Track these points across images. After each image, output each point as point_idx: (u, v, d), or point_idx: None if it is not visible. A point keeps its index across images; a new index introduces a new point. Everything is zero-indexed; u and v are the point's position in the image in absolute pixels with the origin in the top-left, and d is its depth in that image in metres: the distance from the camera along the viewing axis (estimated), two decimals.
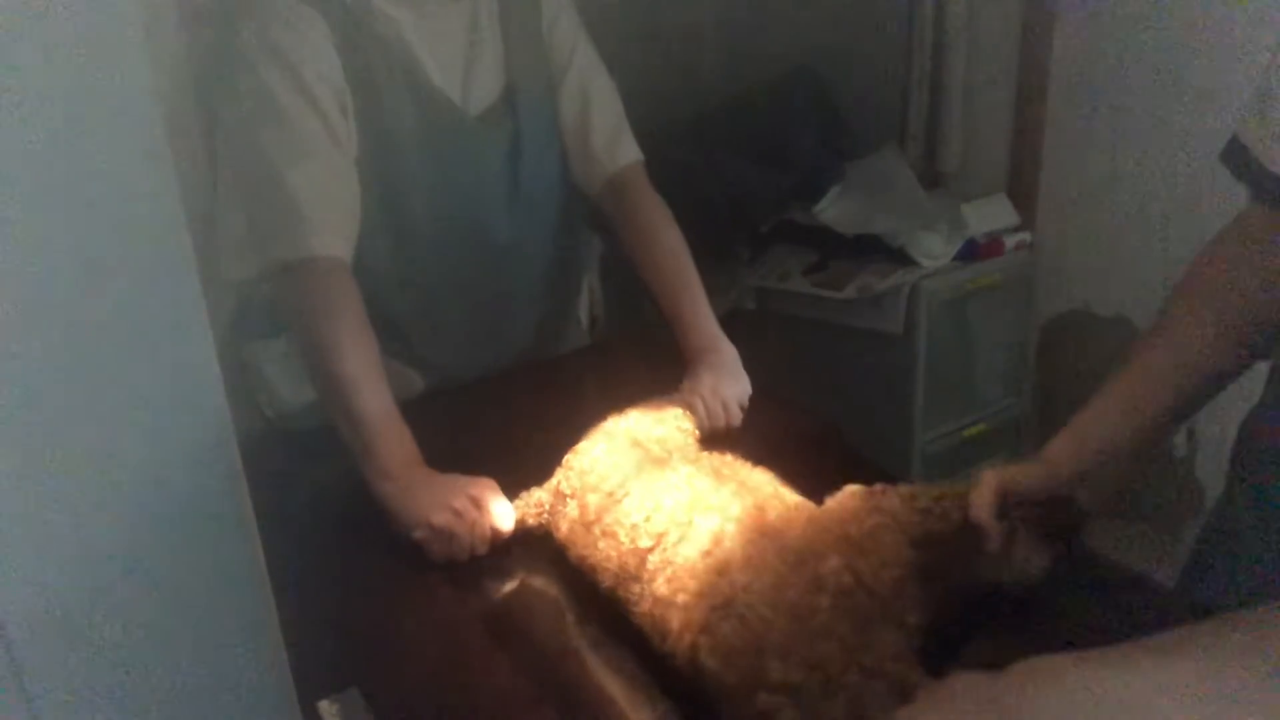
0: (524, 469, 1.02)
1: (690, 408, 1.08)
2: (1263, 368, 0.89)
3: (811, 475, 0.90)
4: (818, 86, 2.05)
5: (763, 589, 0.72)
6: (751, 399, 1.17)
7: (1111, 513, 1.85)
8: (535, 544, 0.97)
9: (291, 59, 1.11)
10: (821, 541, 0.76)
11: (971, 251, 1.90)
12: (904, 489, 0.81)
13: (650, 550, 0.81)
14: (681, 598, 0.76)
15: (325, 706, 0.79)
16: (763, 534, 0.77)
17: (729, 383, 1.16)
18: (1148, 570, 0.94)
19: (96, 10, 0.46)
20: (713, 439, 1.07)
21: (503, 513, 0.97)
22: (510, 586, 0.96)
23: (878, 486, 0.81)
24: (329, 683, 0.81)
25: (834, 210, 1.98)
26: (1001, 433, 2.06)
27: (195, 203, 1.18)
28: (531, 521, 0.99)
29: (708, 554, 0.77)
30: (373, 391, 1.04)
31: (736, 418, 1.14)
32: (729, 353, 1.19)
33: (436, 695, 0.83)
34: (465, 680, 0.84)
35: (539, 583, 0.95)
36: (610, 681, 0.81)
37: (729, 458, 0.92)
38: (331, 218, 1.12)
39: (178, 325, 0.52)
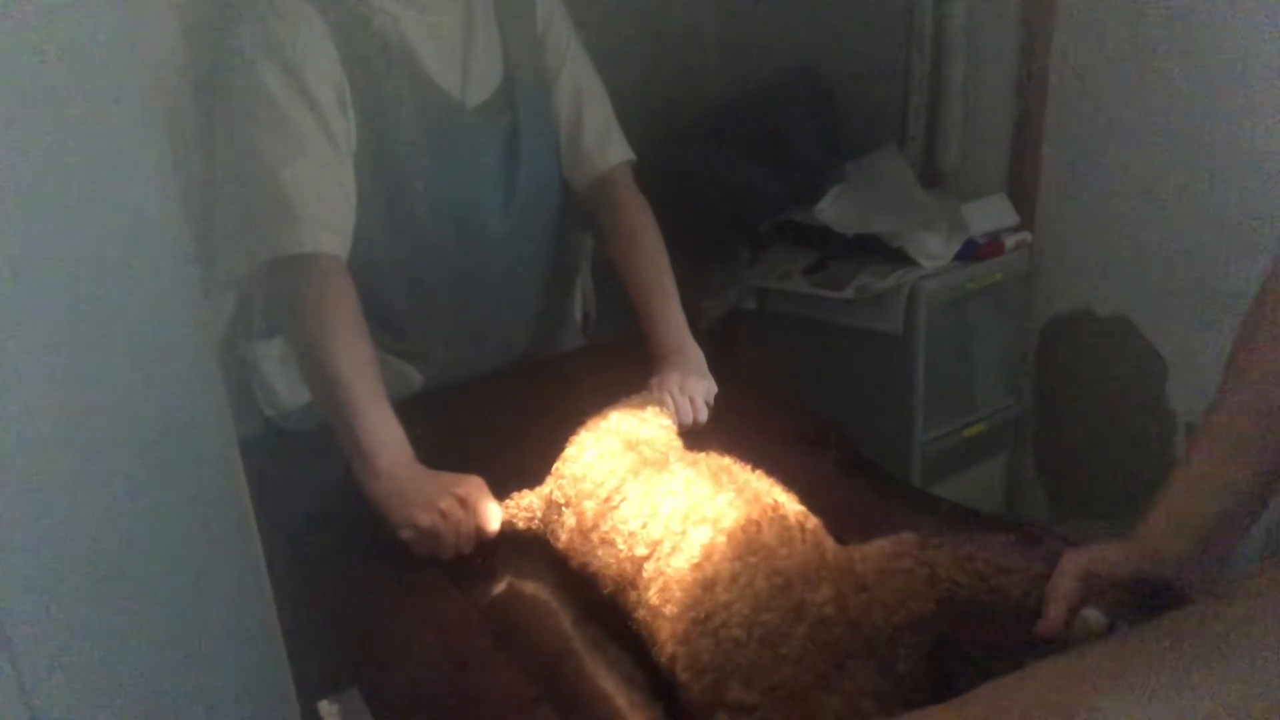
0: (522, 467, 1.02)
1: (660, 404, 1.09)
2: None
3: (811, 475, 0.90)
4: (818, 86, 2.05)
5: (743, 610, 0.71)
6: (751, 399, 1.17)
7: (1108, 513, 1.85)
8: (534, 546, 0.97)
9: (291, 57, 1.11)
10: (819, 570, 0.73)
11: (971, 251, 1.90)
12: (966, 549, 0.75)
13: (646, 559, 0.80)
14: (669, 609, 0.75)
15: (325, 706, 0.79)
16: (755, 552, 0.75)
17: (695, 380, 1.18)
18: None
19: (96, 9, 0.46)
20: (686, 436, 1.08)
21: (489, 513, 0.98)
22: (509, 587, 0.96)
23: (934, 539, 0.76)
24: (329, 683, 0.81)
25: (834, 210, 1.98)
26: (1001, 433, 2.06)
27: (194, 202, 1.18)
28: (520, 525, 0.99)
29: (697, 567, 0.76)
30: (365, 390, 1.04)
31: (704, 414, 1.17)
32: (695, 354, 1.23)
33: (436, 695, 0.83)
34: (465, 680, 0.84)
35: (538, 585, 0.95)
36: (609, 682, 0.81)
37: (728, 461, 0.91)
38: (326, 214, 1.12)
39: (177, 325, 0.52)
